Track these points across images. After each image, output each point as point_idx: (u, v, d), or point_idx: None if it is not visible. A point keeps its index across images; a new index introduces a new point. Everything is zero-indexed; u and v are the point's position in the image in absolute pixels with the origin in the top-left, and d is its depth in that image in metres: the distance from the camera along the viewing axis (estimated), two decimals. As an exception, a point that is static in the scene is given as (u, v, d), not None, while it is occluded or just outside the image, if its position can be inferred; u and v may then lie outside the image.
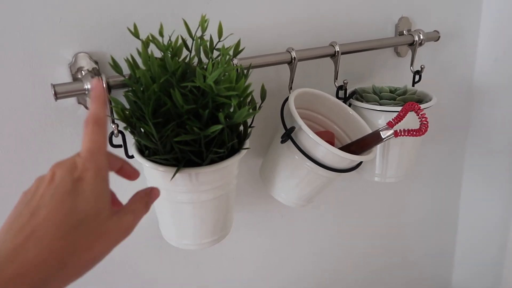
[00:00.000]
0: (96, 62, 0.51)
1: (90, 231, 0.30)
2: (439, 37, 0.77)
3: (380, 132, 0.57)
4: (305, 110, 0.65)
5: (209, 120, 0.44)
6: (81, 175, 0.31)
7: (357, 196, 0.86)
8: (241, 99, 0.42)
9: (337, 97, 0.67)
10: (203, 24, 0.46)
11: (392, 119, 0.56)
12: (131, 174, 0.39)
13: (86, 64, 0.50)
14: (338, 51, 0.64)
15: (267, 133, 0.68)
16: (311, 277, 0.86)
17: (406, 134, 0.54)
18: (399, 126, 0.57)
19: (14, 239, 0.27)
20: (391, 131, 0.56)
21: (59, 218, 0.28)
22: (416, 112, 0.53)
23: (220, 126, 0.40)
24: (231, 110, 0.43)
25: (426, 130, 0.52)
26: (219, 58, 0.48)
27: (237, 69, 0.51)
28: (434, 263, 1.12)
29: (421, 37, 0.73)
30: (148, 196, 0.38)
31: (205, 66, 0.47)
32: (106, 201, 0.32)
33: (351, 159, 0.55)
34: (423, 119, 0.52)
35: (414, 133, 0.53)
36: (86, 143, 0.33)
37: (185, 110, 0.41)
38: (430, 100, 0.66)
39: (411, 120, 0.59)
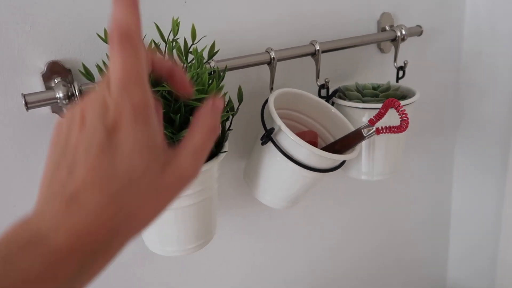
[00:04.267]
0: (69, 70, 0.50)
1: (140, 191, 0.24)
2: (422, 31, 0.76)
3: (362, 130, 0.56)
4: (288, 110, 0.64)
5: (184, 124, 0.43)
6: (116, 122, 0.24)
7: (347, 195, 0.86)
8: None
9: (320, 96, 0.66)
10: (174, 27, 0.45)
11: (373, 116, 0.55)
12: (183, 83, 0.29)
13: (59, 71, 0.49)
14: (318, 49, 0.64)
15: (250, 135, 0.67)
16: (302, 278, 0.86)
17: (387, 131, 0.53)
18: (382, 123, 0.56)
19: (55, 201, 0.23)
20: (373, 129, 0.55)
21: (99, 181, 0.23)
22: (396, 108, 0.52)
23: (191, 131, 0.39)
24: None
25: (407, 127, 0.52)
26: (193, 61, 0.47)
27: (211, 71, 0.50)
28: (429, 263, 1.11)
29: (403, 32, 0.72)
30: (212, 114, 0.27)
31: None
32: (154, 150, 0.25)
33: (333, 158, 0.54)
34: (403, 115, 0.51)
35: (395, 130, 0.52)
36: (114, 71, 0.24)
37: (157, 116, 0.40)
38: (414, 95, 0.65)
39: (394, 117, 0.58)
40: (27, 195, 0.52)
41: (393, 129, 0.53)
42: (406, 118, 0.51)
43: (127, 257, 0.63)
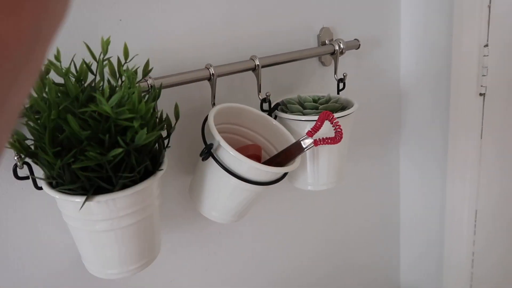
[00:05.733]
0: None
1: None
2: (359, 45, 0.79)
3: (301, 142, 0.58)
4: (231, 124, 0.65)
5: (116, 144, 0.43)
6: None
7: (296, 205, 0.87)
8: (145, 121, 0.41)
9: (262, 109, 0.68)
10: (104, 46, 0.45)
11: (311, 128, 0.57)
12: None
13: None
14: (258, 64, 0.65)
15: (194, 152, 0.67)
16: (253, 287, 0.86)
17: (323, 142, 0.55)
18: (321, 134, 0.58)
19: None
20: (310, 141, 0.57)
21: None
22: (330, 121, 0.54)
23: (119, 150, 0.39)
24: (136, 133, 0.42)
25: (341, 138, 0.54)
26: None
27: (149, 89, 0.50)
28: (382, 267, 1.14)
29: (341, 46, 0.75)
30: None
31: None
32: None
33: (273, 171, 0.55)
34: (337, 127, 0.53)
35: (330, 141, 0.54)
36: None
37: (85, 137, 0.40)
38: (352, 106, 0.68)
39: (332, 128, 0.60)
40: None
41: (328, 141, 0.54)
42: (339, 130, 0.53)
43: (67, 282, 0.60)
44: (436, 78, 0.92)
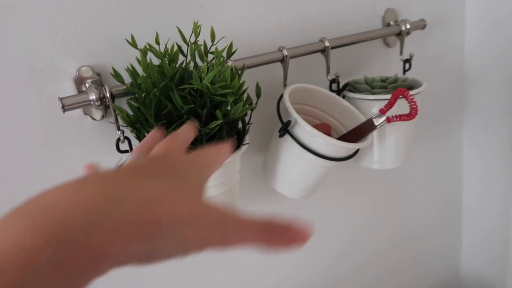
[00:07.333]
0: (98, 74, 0.54)
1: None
2: (425, 25, 0.79)
3: (373, 120, 0.59)
4: (301, 105, 0.68)
5: (208, 119, 0.47)
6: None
7: (360, 188, 0.89)
8: (237, 96, 0.45)
9: (331, 90, 0.70)
10: (196, 30, 0.49)
11: (384, 106, 0.58)
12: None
13: (89, 76, 0.53)
14: (327, 46, 0.67)
15: (266, 130, 0.70)
16: (318, 266, 0.89)
17: (397, 119, 0.56)
18: (391, 113, 0.59)
19: None
20: (383, 118, 0.58)
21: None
22: (405, 97, 0.55)
23: (219, 122, 0.43)
24: (228, 108, 0.46)
25: (416, 114, 0.55)
26: (214, 61, 0.50)
27: (232, 69, 0.53)
28: (442, 252, 1.13)
29: (408, 27, 0.75)
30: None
31: (201, 69, 0.50)
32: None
33: (347, 147, 0.57)
34: (412, 103, 0.54)
35: (405, 117, 0.55)
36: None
37: (185, 111, 0.44)
38: (421, 86, 0.68)
39: (403, 106, 0.61)
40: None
41: (403, 117, 0.56)
42: (415, 106, 0.54)
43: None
44: (502, 59, 0.89)
